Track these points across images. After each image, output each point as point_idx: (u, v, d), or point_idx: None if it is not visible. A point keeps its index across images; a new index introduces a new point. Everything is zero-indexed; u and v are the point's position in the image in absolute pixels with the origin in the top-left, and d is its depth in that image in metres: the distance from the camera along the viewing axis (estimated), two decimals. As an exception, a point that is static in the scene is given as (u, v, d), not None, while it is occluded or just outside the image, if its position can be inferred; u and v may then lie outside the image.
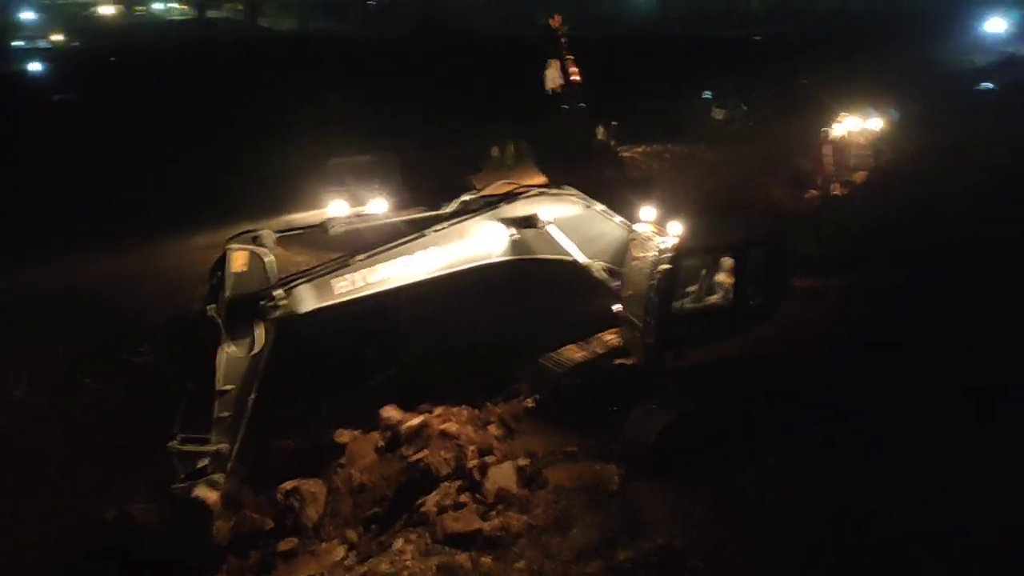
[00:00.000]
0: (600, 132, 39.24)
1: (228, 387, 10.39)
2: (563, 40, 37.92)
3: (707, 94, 51.25)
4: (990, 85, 56.67)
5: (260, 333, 10.42)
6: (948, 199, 24.81)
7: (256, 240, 10.41)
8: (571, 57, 37.92)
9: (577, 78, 38.05)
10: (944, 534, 10.14)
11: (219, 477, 10.56)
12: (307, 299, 10.87)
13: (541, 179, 28.86)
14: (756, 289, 13.12)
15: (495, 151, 36.36)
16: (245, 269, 10.31)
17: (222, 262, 10.30)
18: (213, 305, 10.25)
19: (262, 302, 10.33)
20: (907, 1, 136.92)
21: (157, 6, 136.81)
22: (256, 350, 10.46)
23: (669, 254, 12.26)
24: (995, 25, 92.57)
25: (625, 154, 39.31)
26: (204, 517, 10.55)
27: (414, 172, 31.51)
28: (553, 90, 39.81)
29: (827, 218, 26.65)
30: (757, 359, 12.92)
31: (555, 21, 38.14)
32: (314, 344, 16.74)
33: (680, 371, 12.77)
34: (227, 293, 10.25)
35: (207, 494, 10.37)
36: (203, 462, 10.42)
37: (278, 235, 10.93)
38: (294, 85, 53.87)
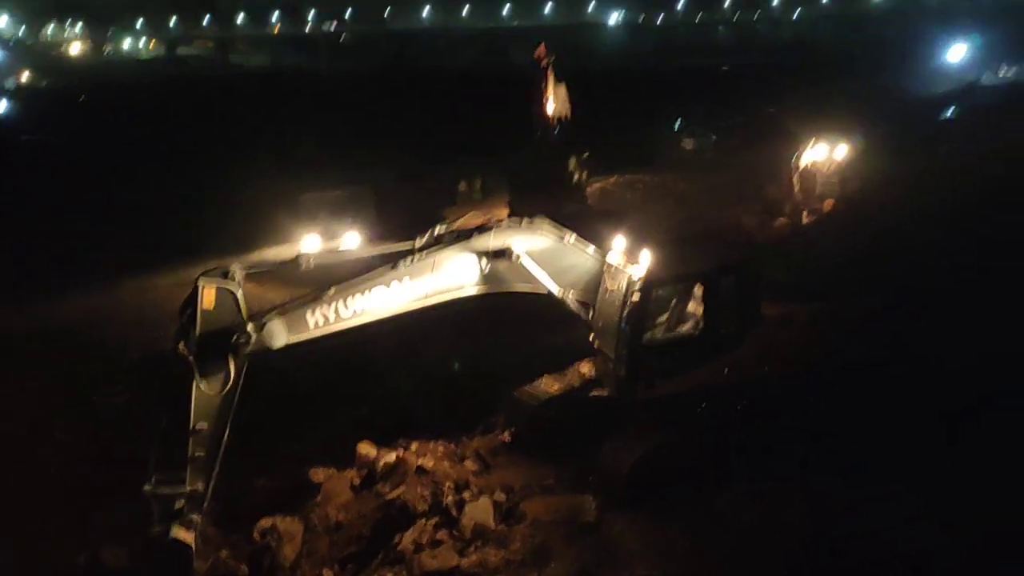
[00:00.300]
0: (572, 163, 39.54)
1: (202, 425, 10.29)
2: (551, 69, 37.85)
3: (677, 124, 51.93)
4: (952, 112, 57.91)
5: (233, 369, 10.33)
6: (914, 226, 25.27)
7: (226, 276, 10.34)
8: (566, 85, 38.02)
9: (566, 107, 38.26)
10: (921, 555, 10.21)
11: (196, 517, 10.45)
12: (280, 334, 10.81)
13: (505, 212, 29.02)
14: (727, 317, 13.20)
15: (463, 186, 36.51)
16: (215, 305, 10.23)
17: (192, 299, 10.22)
18: (184, 342, 10.18)
19: (234, 338, 10.26)
20: (871, 30, 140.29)
21: (127, 44, 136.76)
22: (229, 386, 10.36)
23: (639, 284, 12.34)
24: (956, 53, 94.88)
25: (597, 184, 39.63)
26: (183, 560, 10.38)
27: (388, 206, 31.55)
28: (558, 118, 39.98)
29: (796, 245, 26.96)
30: (730, 385, 12.98)
31: (540, 50, 38.06)
32: (288, 379, 16.62)
33: (653, 401, 12.80)
34: (198, 330, 10.16)
35: (185, 536, 10.25)
36: (179, 503, 10.30)
37: (250, 271, 10.90)
38: (266, 121, 53.89)
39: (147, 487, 10.27)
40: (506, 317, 18.86)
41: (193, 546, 10.42)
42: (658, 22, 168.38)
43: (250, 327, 10.37)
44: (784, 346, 13.24)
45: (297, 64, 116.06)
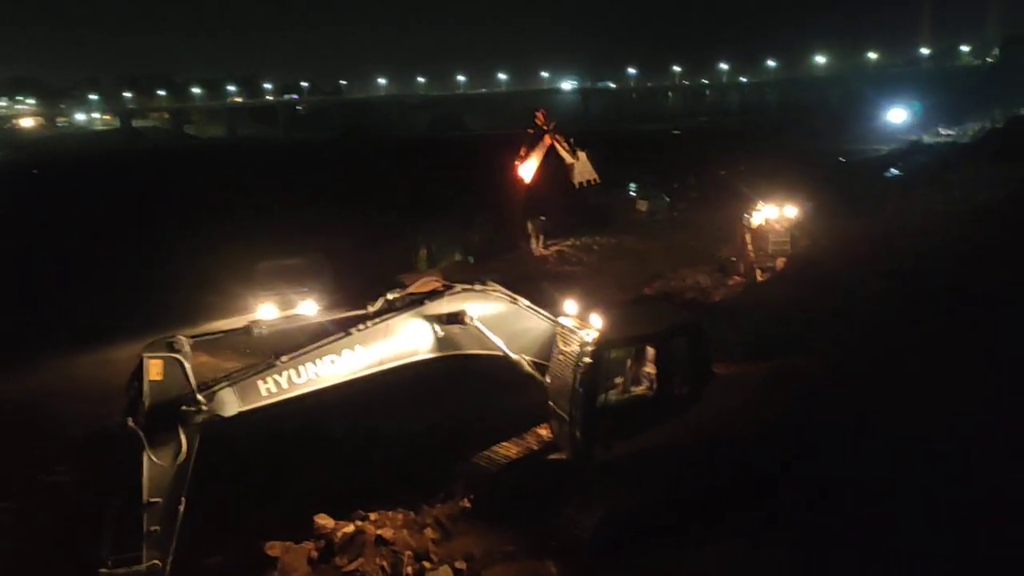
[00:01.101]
0: (529, 227, 40.00)
1: (155, 499, 10.02)
2: (557, 137, 37.68)
3: (631, 187, 52.96)
4: (896, 171, 60.01)
5: (184, 440, 10.11)
6: (863, 282, 25.87)
7: (172, 346, 10.17)
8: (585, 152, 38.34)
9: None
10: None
11: None
12: (231, 402, 10.62)
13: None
14: (680, 377, 13.31)
15: (423, 251, 36.72)
16: (162, 377, 10.05)
17: (138, 372, 10.04)
18: (132, 416, 9.94)
19: (184, 407, 10.07)
20: (814, 95, 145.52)
21: (80, 117, 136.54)
22: (181, 458, 10.12)
23: (591, 347, 12.42)
24: (897, 115, 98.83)
25: (554, 247, 40.09)
26: None
27: (346, 273, 31.49)
28: (582, 184, 40.11)
29: (751, 304, 27.38)
30: (686, 446, 13.02)
31: (540, 117, 38.00)
32: (242, 451, 16.31)
33: (610, 464, 12.77)
34: (147, 402, 9.95)
35: None
36: None
37: (201, 339, 10.78)
38: (222, 190, 53.87)
39: (103, 570, 9.90)
40: (464, 382, 18.85)
41: None
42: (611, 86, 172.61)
43: (200, 397, 10.19)
44: (737, 406, 13.34)
45: (254, 134, 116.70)
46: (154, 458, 9.95)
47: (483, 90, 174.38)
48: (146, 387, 9.98)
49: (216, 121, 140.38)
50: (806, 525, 12.34)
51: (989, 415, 15.14)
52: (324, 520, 14.37)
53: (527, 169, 36.41)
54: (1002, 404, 15.61)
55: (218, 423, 10.49)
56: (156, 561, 10.10)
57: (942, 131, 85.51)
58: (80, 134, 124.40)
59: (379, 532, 13.35)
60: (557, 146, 37.99)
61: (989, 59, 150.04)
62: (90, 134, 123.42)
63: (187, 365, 10.19)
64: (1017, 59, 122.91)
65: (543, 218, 40.33)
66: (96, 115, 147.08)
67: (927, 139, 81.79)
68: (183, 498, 10.24)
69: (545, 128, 36.89)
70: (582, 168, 40.54)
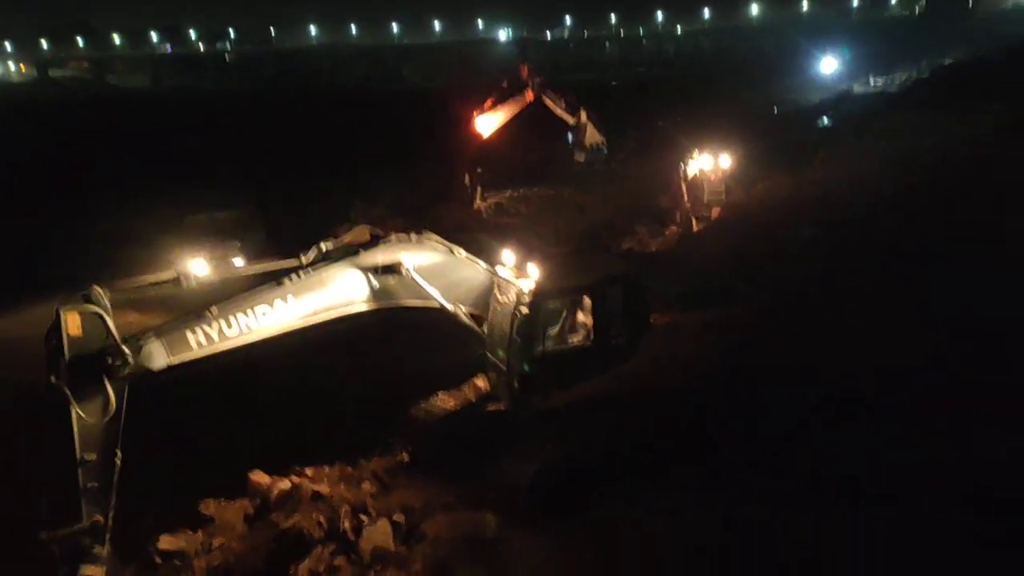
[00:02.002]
0: (466, 178, 39.58)
1: (90, 455, 9.76)
2: (546, 90, 34.29)
3: (569, 138, 52.73)
4: (827, 120, 60.96)
5: (112, 394, 9.80)
6: (794, 230, 26.34)
7: (88, 298, 9.76)
8: (583, 110, 35.59)
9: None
10: (812, 557, 10.52)
11: (100, 550, 9.93)
12: (159, 355, 10.31)
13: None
14: (616, 328, 13.36)
15: (359, 205, 35.67)
16: (81, 332, 9.68)
17: (57, 327, 9.61)
18: (54, 374, 9.55)
19: (109, 360, 9.73)
20: (748, 44, 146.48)
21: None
22: (111, 413, 9.82)
23: (528, 297, 12.36)
24: (828, 65, 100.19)
25: (492, 199, 39.80)
26: None
27: (279, 227, 30.83)
28: (592, 145, 37.25)
29: (686, 253, 27.70)
30: (623, 394, 13.14)
31: (524, 71, 34.72)
32: (173, 410, 15.96)
33: (548, 412, 12.82)
34: (67, 357, 9.57)
35: (95, 571, 9.78)
36: (84, 540, 9.77)
37: (123, 291, 10.40)
38: (147, 142, 52.05)
39: (45, 535, 9.63)
40: (401, 334, 18.69)
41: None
42: (548, 38, 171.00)
43: (126, 349, 9.85)
44: (673, 355, 13.49)
45: (181, 84, 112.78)
46: (82, 413, 9.65)
47: (418, 40, 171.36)
48: (65, 342, 9.59)
49: (140, 71, 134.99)
50: (741, 476, 12.62)
51: (912, 362, 15.65)
52: (259, 477, 14.22)
53: (487, 122, 33.44)
54: (924, 349, 16.15)
55: (145, 376, 10.16)
56: (98, 518, 9.86)
57: (872, 80, 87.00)
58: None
59: (316, 488, 13.25)
60: (550, 104, 35.04)
61: (917, 9, 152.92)
62: (5, 85, 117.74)
63: (107, 318, 9.81)
64: (942, 8, 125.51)
65: (479, 170, 39.94)
66: (11, 64, 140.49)
67: (857, 88, 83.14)
68: (118, 453, 9.96)
69: (528, 83, 33.82)
70: (591, 133, 37.82)
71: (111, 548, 10.31)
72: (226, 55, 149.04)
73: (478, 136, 31.83)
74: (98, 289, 9.89)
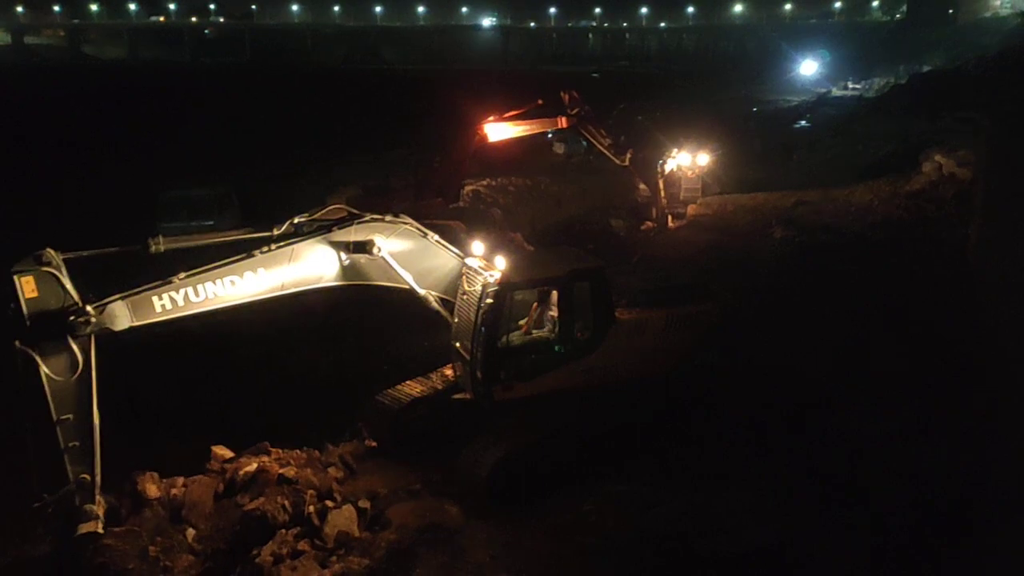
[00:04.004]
0: (451, 173, 39.25)
1: (66, 415, 9.98)
2: (587, 123, 30.46)
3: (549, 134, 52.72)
4: (805, 123, 61.57)
5: (78, 351, 9.93)
6: (766, 236, 26.70)
7: (40, 260, 9.79)
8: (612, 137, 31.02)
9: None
10: (766, 550, 10.78)
11: (92, 507, 10.24)
12: (123, 317, 10.37)
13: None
14: (581, 322, 13.45)
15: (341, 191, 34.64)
16: (37, 293, 9.75)
17: (14, 293, 9.66)
18: (18, 339, 9.63)
19: (71, 317, 9.81)
20: (731, 45, 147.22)
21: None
22: (79, 370, 9.98)
23: (493, 288, 12.41)
24: (808, 68, 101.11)
25: (469, 187, 39.70)
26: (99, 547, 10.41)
27: (254, 206, 30.54)
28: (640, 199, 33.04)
29: (661, 249, 27.91)
30: (585, 388, 13.29)
31: (566, 97, 30.25)
32: (141, 386, 15.91)
33: (510, 403, 12.89)
34: (27, 319, 9.66)
35: (91, 526, 10.12)
36: (74, 499, 10.15)
37: (87, 255, 10.42)
38: (122, 115, 51.34)
39: (38, 504, 9.99)
40: (376, 318, 18.69)
41: (102, 531, 10.34)
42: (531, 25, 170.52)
43: (90, 308, 9.94)
44: (637, 351, 13.63)
45: (158, 57, 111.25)
46: (50, 373, 9.81)
47: (399, 24, 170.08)
48: (24, 305, 9.67)
49: (116, 41, 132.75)
50: (701, 468, 12.85)
51: (879, 364, 15.99)
52: (222, 451, 14.18)
53: (499, 130, 29.75)
54: (890, 351, 16.50)
55: (108, 337, 10.26)
56: (84, 475, 10.15)
57: (850, 85, 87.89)
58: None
59: (281, 471, 13.22)
60: (592, 140, 31.23)
61: (897, 15, 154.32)
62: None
63: (62, 276, 9.88)
64: (922, 15, 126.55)
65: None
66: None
67: (836, 92, 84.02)
68: (95, 411, 10.15)
69: (569, 111, 29.83)
70: (641, 187, 32.34)
71: (103, 503, 10.67)
72: (206, 30, 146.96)
73: (483, 138, 29.95)
74: (50, 251, 9.90)
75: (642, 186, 32.31)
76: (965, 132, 33.10)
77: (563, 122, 29.78)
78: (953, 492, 11.72)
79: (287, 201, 32.40)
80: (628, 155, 30.69)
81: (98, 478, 10.38)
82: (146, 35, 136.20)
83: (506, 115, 29.34)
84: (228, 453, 14.17)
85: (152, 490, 12.82)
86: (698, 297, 15.10)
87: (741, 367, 15.22)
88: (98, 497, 10.51)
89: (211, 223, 26.97)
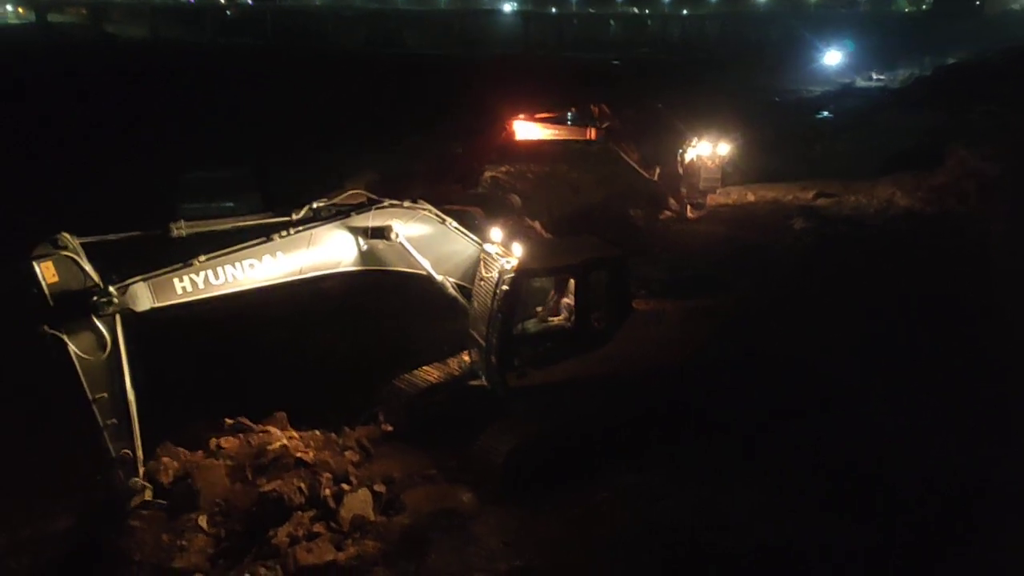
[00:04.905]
0: (474, 162, 39.19)
1: (101, 394, 10.31)
2: (619, 139, 30.12)
3: (569, 116, 52.39)
4: (827, 113, 60.95)
5: (105, 330, 10.20)
6: (786, 227, 26.52)
7: (56, 244, 9.98)
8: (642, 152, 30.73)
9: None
10: (768, 548, 10.78)
11: (136, 481, 10.88)
12: (144, 298, 10.63)
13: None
14: (598, 311, 13.41)
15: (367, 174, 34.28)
16: (57, 278, 9.94)
17: (34, 282, 9.83)
18: (44, 324, 9.84)
19: (94, 298, 10.03)
20: (755, 33, 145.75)
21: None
22: (107, 348, 10.25)
23: (509, 275, 12.42)
24: (832, 58, 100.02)
25: (488, 174, 39.59)
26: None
27: (274, 190, 30.60)
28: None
29: (679, 239, 27.81)
30: (600, 377, 13.26)
31: (596, 110, 30.16)
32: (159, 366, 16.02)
33: (524, 390, 12.91)
34: (51, 303, 9.85)
35: (142, 498, 10.94)
36: (118, 476, 10.73)
37: (109, 240, 10.60)
38: (143, 96, 51.52)
39: (99, 478, 10.78)
40: (396, 302, 18.73)
41: (151, 497, 11.17)
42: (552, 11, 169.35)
43: (112, 289, 10.17)
44: (653, 341, 13.59)
45: (178, 37, 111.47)
46: (79, 352, 10.04)
47: (423, 8, 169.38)
48: (45, 290, 9.83)
49: (139, 21, 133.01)
50: (713, 461, 12.82)
51: (897, 357, 15.89)
52: (242, 433, 14.28)
53: (527, 129, 29.64)
54: (909, 344, 16.39)
55: (129, 317, 10.49)
56: (125, 451, 10.61)
57: (874, 76, 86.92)
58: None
59: (299, 454, 13.32)
60: (622, 155, 31.03)
61: (924, 6, 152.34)
62: (1, 28, 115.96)
63: (80, 259, 10.06)
64: (949, 7, 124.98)
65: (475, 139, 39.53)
66: (9, 7, 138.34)
67: (860, 82, 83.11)
68: (129, 388, 10.50)
69: (598, 123, 29.47)
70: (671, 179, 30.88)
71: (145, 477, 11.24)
72: (227, 10, 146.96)
73: (510, 134, 29.47)
74: (66, 235, 10.08)
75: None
76: (990, 126, 32.76)
77: (592, 134, 29.91)
78: (965, 489, 11.67)
79: (306, 183, 32.55)
80: (656, 170, 30.52)
81: (139, 452, 10.84)
82: (168, 15, 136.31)
83: (537, 115, 29.04)
84: (254, 438, 14.27)
85: (172, 467, 13.00)
86: (716, 289, 15.04)
87: (757, 360, 15.17)
88: (141, 470, 11.05)
89: (231, 205, 27.09)
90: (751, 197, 32.78)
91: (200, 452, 13.77)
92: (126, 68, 64.60)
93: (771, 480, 12.27)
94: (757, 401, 14.03)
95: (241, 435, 14.28)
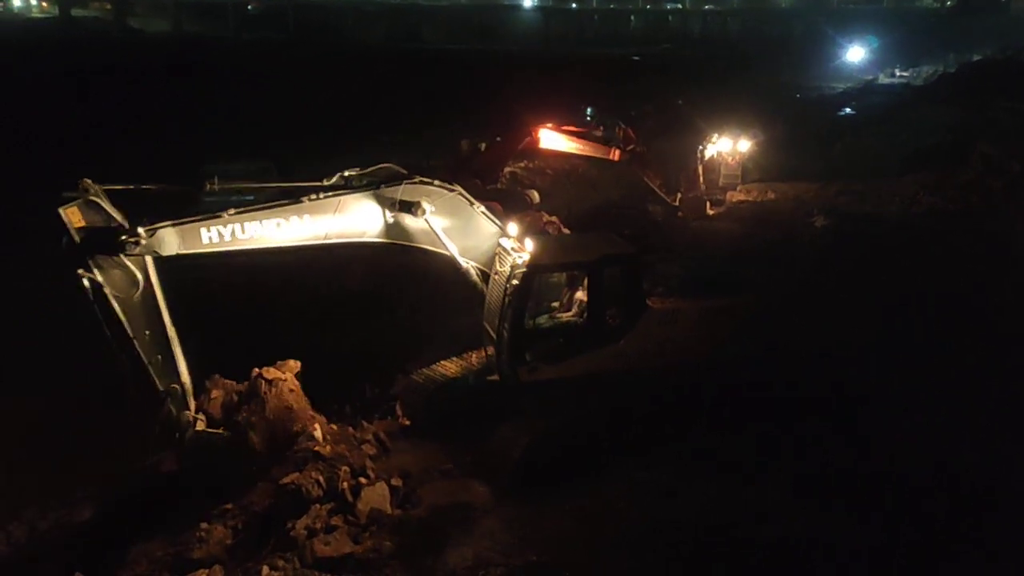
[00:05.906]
0: (482, 148, 39.11)
1: (140, 332, 10.62)
2: (645, 167, 30.43)
3: (588, 112, 52.25)
4: (850, 110, 60.45)
5: (134, 268, 10.50)
6: (805, 224, 26.29)
7: (79, 191, 10.28)
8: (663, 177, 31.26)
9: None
10: (787, 541, 10.75)
11: (187, 415, 11.30)
12: (171, 243, 10.87)
13: None
14: (611, 307, 13.33)
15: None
16: (84, 222, 10.22)
17: (65, 229, 10.14)
18: (80, 269, 10.14)
19: (122, 237, 10.26)
20: (777, 30, 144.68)
21: (17, 2, 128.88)
22: (143, 285, 10.57)
23: (521, 270, 12.38)
24: (855, 54, 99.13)
25: (507, 169, 39.51)
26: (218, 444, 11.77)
27: (295, 181, 30.62)
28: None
29: (695, 238, 27.64)
30: (614, 375, 13.19)
31: (621, 132, 30.15)
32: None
33: (536, 386, 12.87)
34: (79, 244, 10.17)
35: (196, 428, 11.36)
36: (170, 411, 11.10)
37: (140, 189, 10.98)
38: (166, 88, 51.88)
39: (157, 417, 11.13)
40: (412, 298, 18.77)
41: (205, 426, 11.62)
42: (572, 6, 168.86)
43: (140, 230, 10.40)
44: (668, 339, 13.50)
45: (201, 31, 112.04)
46: (113, 290, 10.33)
47: (441, 2, 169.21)
48: (75, 236, 10.13)
49: (162, 15, 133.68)
50: (725, 458, 12.73)
51: (916, 357, 15.73)
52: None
53: (552, 139, 28.86)
54: (929, 344, 16.23)
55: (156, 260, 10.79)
56: (173, 385, 11.02)
57: (898, 72, 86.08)
58: (15, 21, 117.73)
59: (316, 448, 13.37)
60: (645, 179, 31.08)
61: (948, 2, 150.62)
62: (25, 22, 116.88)
63: (103, 202, 10.34)
64: (974, 3, 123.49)
65: (499, 139, 39.46)
66: (33, 0, 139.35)
67: (883, 79, 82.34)
68: (169, 326, 10.88)
69: (620, 145, 29.26)
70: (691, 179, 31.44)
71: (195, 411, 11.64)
72: (249, 5, 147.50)
73: (534, 141, 29.35)
74: (87, 181, 10.34)
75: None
76: (1016, 123, 32.35)
77: (615, 155, 29.45)
78: (975, 488, 11.57)
79: (327, 176, 32.59)
80: (678, 195, 30.67)
81: (188, 384, 11.21)
82: (191, 9, 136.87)
83: (564, 127, 29.12)
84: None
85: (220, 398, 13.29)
86: (733, 287, 14.92)
87: (775, 357, 15.04)
88: (192, 402, 11.40)
89: (251, 197, 27.17)
90: (771, 194, 32.57)
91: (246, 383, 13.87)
92: (151, 62, 65.05)
93: (782, 477, 12.18)
94: (774, 398, 13.91)
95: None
